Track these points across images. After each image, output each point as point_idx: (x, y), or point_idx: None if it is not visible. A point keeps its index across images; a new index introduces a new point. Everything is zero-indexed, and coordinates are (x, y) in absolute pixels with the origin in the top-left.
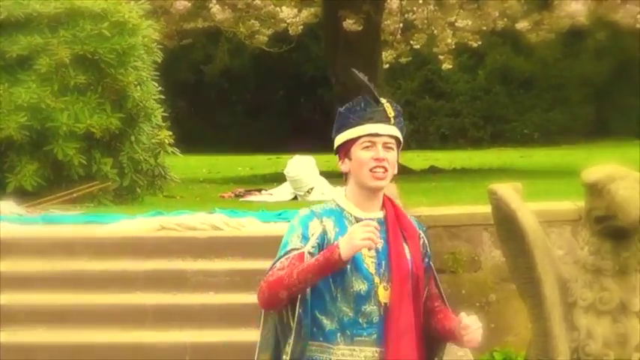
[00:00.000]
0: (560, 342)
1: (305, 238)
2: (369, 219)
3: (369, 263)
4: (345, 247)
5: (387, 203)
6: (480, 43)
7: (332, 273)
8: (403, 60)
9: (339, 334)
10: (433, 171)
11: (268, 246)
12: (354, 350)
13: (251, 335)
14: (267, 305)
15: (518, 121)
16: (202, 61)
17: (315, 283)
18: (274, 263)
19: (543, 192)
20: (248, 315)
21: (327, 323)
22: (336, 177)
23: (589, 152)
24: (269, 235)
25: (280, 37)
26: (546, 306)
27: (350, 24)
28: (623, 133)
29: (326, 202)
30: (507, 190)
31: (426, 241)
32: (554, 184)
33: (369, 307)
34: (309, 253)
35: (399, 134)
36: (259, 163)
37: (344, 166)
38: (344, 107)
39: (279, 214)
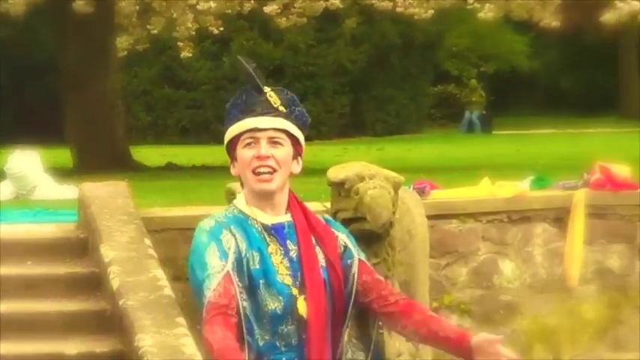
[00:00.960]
0: None
1: (224, 255)
2: (277, 224)
3: (284, 275)
4: None
5: (294, 204)
6: (222, 29)
7: None
8: (140, 47)
9: None
10: (170, 168)
11: None
12: None
13: None
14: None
15: None
16: None
17: None
18: (204, 293)
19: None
20: None
21: (250, 345)
22: (64, 175)
23: (344, 148)
24: None
25: (5, 19)
26: None
27: (80, 5)
28: (379, 127)
29: (226, 208)
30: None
31: (345, 240)
32: (302, 182)
33: (287, 328)
34: (233, 270)
35: (290, 126)
36: None
37: (233, 169)
38: (230, 101)
39: None
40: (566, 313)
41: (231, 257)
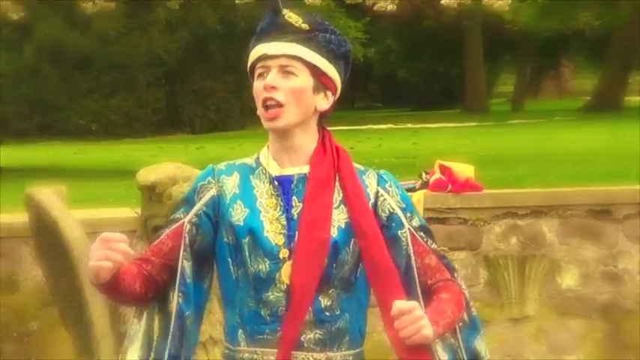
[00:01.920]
0: None
1: (189, 204)
2: (284, 176)
3: (275, 233)
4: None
5: (320, 151)
6: (22, 14)
7: (120, 286)
8: None
9: (240, 331)
10: None
11: None
12: (254, 353)
13: None
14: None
15: (73, 109)
16: None
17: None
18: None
19: (98, 196)
20: None
21: (229, 317)
22: None
23: (159, 147)
24: None
25: None
26: (94, 336)
27: None
28: (198, 124)
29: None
30: (48, 194)
31: (388, 198)
32: (112, 186)
33: (273, 295)
34: (192, 223)
35: (306, 53)
36: None
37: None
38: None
39: None
40: None
41: (197, 208)
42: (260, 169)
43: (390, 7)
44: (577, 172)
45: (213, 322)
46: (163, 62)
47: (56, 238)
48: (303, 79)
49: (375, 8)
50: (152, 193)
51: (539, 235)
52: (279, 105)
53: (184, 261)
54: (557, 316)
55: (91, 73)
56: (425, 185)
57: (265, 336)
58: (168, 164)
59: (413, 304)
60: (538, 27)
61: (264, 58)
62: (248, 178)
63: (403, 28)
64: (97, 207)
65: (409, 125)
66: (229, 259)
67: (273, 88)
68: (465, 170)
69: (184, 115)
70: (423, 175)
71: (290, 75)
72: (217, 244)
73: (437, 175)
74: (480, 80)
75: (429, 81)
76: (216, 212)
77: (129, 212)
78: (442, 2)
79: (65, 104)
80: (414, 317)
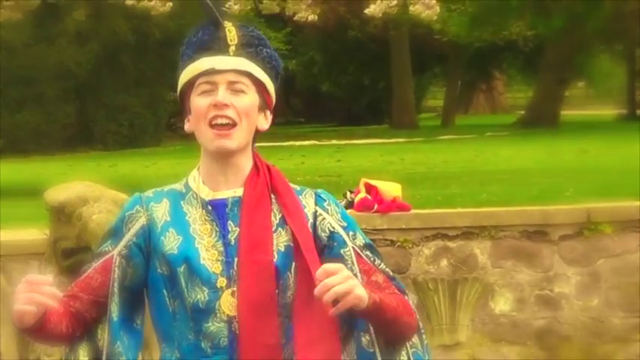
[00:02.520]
0: None
1: (117, 236)
2: (217, 200)
3: (212, 261)
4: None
5: (253, 175)
6: None
7: (48, 328)
8: None
9: None
10: None
11: None
12: None
13: None
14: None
15: None
16: None
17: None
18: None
19: (4, 216)
20: None
21: (167, 353)
22: None
23: (69, 165)
24: None
25: None
26: None
27: None
28: (110, 140)
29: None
30: None
31: (328, 218)
32: (19, 206)
33: (213, 325)
34: (121, 256)
35: (254, 69)
36: None
37: (187, 125)
38: (184, 42)
39: None
40: None
41: (127, 239)
42: (190, 194)
43: (311, 17)
44: (510, 190)
45: None
46: (73, 75)
47: None
48: (252, 97)
49: (295, 18)
50: (61, 214)
51: (470, 257)
52: (233, 124)
53: (114, 296)
54: (491, 343)
55: None
56: (350, 205)
57: None
58: (78, 183)
59: (339, 265)
60: (469, 37)
61: (209, 72)
62: (179, 204)
63: (327, 39)
64: (3, 228)
65: (334, 141)
66: (164, 291)
67: (226, 105)
68: (392, 189)
69: (96, 130)
70: (348, 194)
71: (240, 93)
72: (150, 276)
73: (362, 195)
74: (409, 94)
75: (355, 95)
76: (147, 242)
77: (37, 234)
78: (367, 11)
79: None
80: (343, 276)
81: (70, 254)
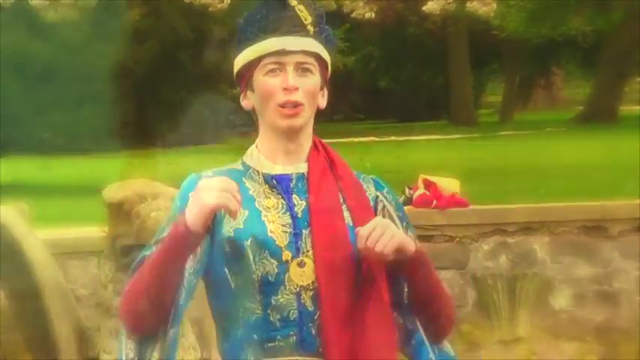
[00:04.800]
0: None
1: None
2: (280, 175)
3: (279, 233)
4: (190, 210)
5: (314, 152)
6: None
7: (186, 252)
8: None
9: (245, 343)
10: None
11: None
12: None
13: None
14: (132, 327)
15: (36, 122)
16: None
17: (176, 274)
18: (139, 260)
19: (63, 214)
20: None
21: (231, 333)
22: None
23: (128, 163)
24: None
25: None
26: None
27: None
28: (170, 138)
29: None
30: (10, 213)
31: (387, 205)
32: (78, 204)
33: (283, 297)
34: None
35: (320, 49)
36: None
37: (245, 101)
38: (242, 17)
39: None
40: None
41: None
42: (251, 170)
43: (369, 14)
44: (569, 186)
45: (187, 346)
46: (132, 73)
47: (18, 259)
48: (317, 78)
49: (352, 15)
50: (119, 211)
51: (529, 252)
52: (298, 106)
53: (224, 270)
54: (550, 338)
55: (55, 85)
56: (408, 201)
57: (277, 343)
58: (136, 180)
59: (373, 222)
60: (527, 33)
61: (278, 53)
62: (241, 181)
63: (385, 36)
64: (63, 226)
65: (392, 138)
66: (225, 269)
67: (296, 89)
68: (450, 185)
69: (155, 128)
70: (407, 190)
71: (307, 73)
72: (212, 255)
73: (421, 191)
74: (467, 90)
75: (413, 91)
76: (211, 221)
77: (96, 231)
78: (425, 8)
79: (27, 118)
80: (382, 226)
81: (129, 251)
